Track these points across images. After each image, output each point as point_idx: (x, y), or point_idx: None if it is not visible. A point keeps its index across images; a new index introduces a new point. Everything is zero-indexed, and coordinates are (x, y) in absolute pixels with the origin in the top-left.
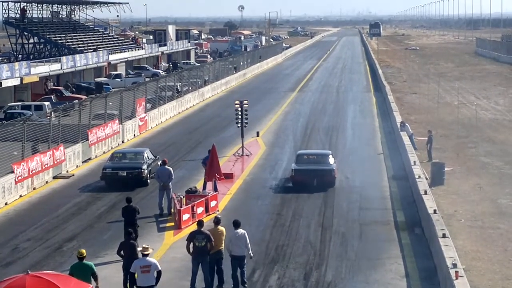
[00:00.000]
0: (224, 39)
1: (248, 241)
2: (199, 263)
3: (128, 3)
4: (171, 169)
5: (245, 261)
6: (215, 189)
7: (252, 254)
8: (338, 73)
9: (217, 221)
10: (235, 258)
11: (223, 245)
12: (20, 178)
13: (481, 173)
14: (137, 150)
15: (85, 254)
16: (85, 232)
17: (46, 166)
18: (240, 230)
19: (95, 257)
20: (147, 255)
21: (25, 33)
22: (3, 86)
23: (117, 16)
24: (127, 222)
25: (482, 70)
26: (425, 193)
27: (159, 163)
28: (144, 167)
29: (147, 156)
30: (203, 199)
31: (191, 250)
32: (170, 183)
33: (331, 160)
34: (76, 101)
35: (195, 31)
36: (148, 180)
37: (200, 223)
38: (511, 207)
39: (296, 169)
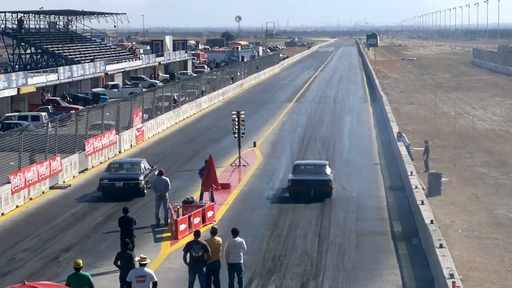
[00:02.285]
0: (221, 49)
1: (245, 247)
2: (196, 273)
3: (125, 13)
4: (167, 179)
5: (242, 268)
6: (212, 200)
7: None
8: (335, 84)
9: (214, 232)
10: (232, 266)
11: (220, 255)
12: (16, 188)
13: (478, 184)
14: (134, 161)
15: (81, 265)
16: (82, 243)
17: (42, 176)
18: (238, 238)
19: (91, 267)
20: (144, 265)
21: (22, 43)
22: (0, 96)
23: (114, 26)
24: (123, 232)
25: (479, 80)
26: (422, 203)
27: (156, 172)
28: (141, 178)
29: (144, 167)
30: (200, 209)
31: (188, 260)
32: (167, 194)
33: (328, 170)
34: (73, 111)
35: (192, 42)
36: (145, 191)
37: (197, 233)
38: (508, 217)
39: (293, 180)
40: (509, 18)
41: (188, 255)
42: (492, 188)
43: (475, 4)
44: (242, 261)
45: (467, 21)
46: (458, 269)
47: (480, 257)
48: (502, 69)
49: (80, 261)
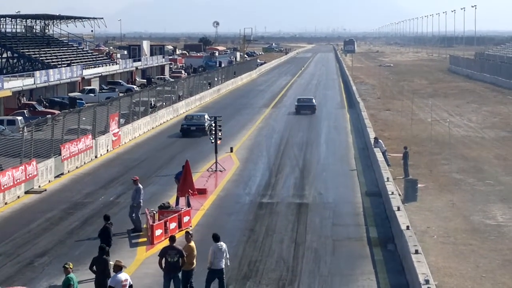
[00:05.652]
0: (198, 54)
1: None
2: (171, 278)
3: (102, 18)
4: (141, 186)
5: (224, 273)
6: (188, 205)
7: (229, 263)
8: (313, 90)
9: (187, 237)
10: (215, 271)
11: (195, 260)
12: None
13: (454, 190)
14: (201, 114)
15: (71, 266)
16: (57, 248)
17: (18, 181)
18: (223, 243)
19: None
20: (121, 270)
21: None
22: None
23: (92, 31)
24: (103, 241)
25: (455, 87)
26: (398, 209)
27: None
28: (206, 124)
29: (207, 118)
30: (176, 214)
31: (163, 265)
32: (141, 201)
33: (314, 101)
34: (49, 116)
35: (170, 47)
36: (208, 133)
37: (173, 239)
38: (483, 223)
39: (297, 105)
40: (486, 25)
41: (163, 261)
42: (468, 194)
43: (452, 11)
44: (224, 266)
45: (444, 28)
46: (433, 275)
47: (456, 263)
48: (479, 76)
49: (71, 264)
